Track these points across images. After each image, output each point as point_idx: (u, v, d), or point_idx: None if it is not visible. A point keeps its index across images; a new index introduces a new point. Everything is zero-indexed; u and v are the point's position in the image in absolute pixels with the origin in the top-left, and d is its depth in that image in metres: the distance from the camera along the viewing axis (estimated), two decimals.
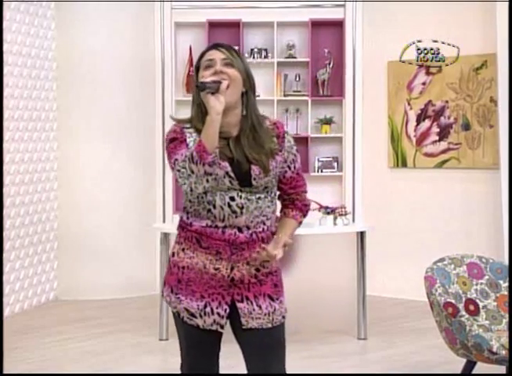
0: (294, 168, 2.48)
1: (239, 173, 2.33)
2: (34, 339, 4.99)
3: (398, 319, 5.50)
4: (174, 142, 2.36)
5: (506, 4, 5.11)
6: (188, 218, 2.41)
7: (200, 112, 2.36)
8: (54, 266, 6.27)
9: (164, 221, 5.50)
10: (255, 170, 2.35)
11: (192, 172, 2.23)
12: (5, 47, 5.61)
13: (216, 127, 2.24)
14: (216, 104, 2.25)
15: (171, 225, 5.28)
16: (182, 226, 2.44)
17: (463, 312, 3.42)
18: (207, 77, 2.32)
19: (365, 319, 4.93)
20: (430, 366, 4.31)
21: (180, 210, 2.49)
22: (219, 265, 2.36)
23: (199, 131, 2.32)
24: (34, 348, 4.77)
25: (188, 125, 2.41)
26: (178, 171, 2.27)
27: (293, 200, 2.52)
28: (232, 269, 2.37)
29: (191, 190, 2.29)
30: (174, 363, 4.37)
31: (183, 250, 2.41)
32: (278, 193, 2.52)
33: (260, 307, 2.39)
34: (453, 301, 3.42)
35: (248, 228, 2.36)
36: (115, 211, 6.26)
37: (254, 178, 2.36)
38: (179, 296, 2.40)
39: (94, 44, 6.17)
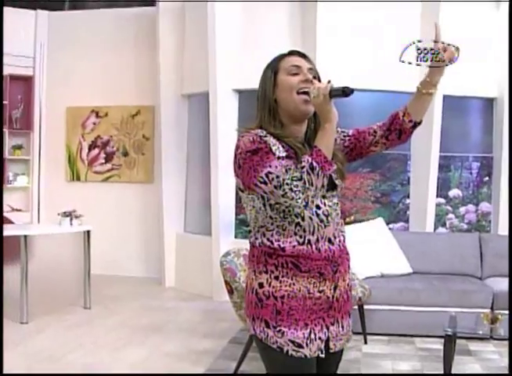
0: (349, 131, 2.47)
1: None
2: None
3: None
4: (258, 153, 2.15)
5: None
6: (272, 241, 2.22)
7: (273, 117, 2.28)
8: None
9: None
10: (334, 172, 2.23)
11: (312, 185, 2.08)
12: None
13: (335, 134, 2.20)
14: (335, 110, 2.18)
15: None
16: (269, 253, 2.23)
17: None
18: (297, 82, 2.27)
19: (90, 292, 6.61)
20: None
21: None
22: (323, 287, 2.23)
23: (275, 137, 2.23)
24: None
25: (262, 133, 2.23)
26: (287, 184, 2.07)
27: (390, 121, 2.41)
28: (335, 288, 2.27)
29: (305, 205, 2.15)
30: None
31: (277, 278, 2.21)
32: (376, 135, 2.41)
33: (343, 327, 2.33)
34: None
35: (335, 237, 2.26)
36: None
37: (336, 178, 2.29)
38: (280, 328, 2.20)
39: None
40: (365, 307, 5.42)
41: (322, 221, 2.23)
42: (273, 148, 2.19)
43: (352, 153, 2.44)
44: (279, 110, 2.30)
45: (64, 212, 6.76)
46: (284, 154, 2.19)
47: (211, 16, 6.95)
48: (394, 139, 2.41)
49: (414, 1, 6.79)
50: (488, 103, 7.12)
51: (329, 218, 2.25)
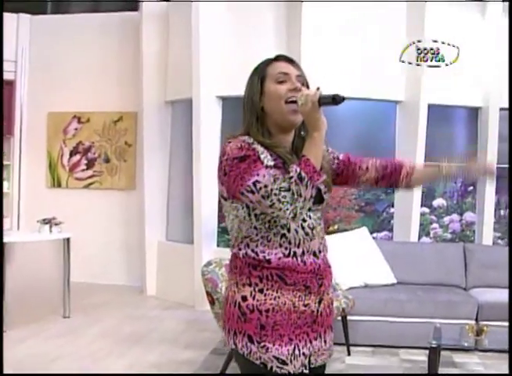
0: (339, 154, 2.39)
1: None
2: None
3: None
4: (246, 160, 2.06)
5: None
6: (257, 252, 2.14)
7: (261, 125, 2.20)
8: None
9: None
10: (322, 184, 2.17)
11: (301, 196, 1.98)
12: None
13: (323, 143, 2.10)
14: (324, 118, 2.09)
15: None
16: (254, 265, 2.14)
17: None
18: (285, 91, 2.17)
19: (69, 301, 6.47)
20: None
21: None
22: (308, 301, 2.17)
23: (263, 146, 2.16)
24: None
25: (250, 140, 2.15)
26: (275, 195, 1.97)
27: (389, 172, 2.35)
28: (320, 302, 2.20)
29: (293, 217, 2.02)
30: None
31: (261, 291, 2.12)
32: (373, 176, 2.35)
33: (326, 342, 2.26)
34: None
35: (320, 252, 2.21)
36: None
37: (325, 192, 2.23)
38: (265, 344, 2.11)
39: None
40: (349, 318, 5.36)
41: (307, 234, 2.17)
42: (261, 156, 2.11)
43: (337, 178, 2.38)
44: (267, 119, 2.22)
45: (44, 219, 6.68)
46: (272, 163, 2.12)
47: (195, 22, 6.89)
48: (383, 186, 2.41)
49: (399, 1, 6.76)
50: (473, 112, 7.10)
51: (315, 232, 2.20)
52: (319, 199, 2.20)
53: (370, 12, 6.72)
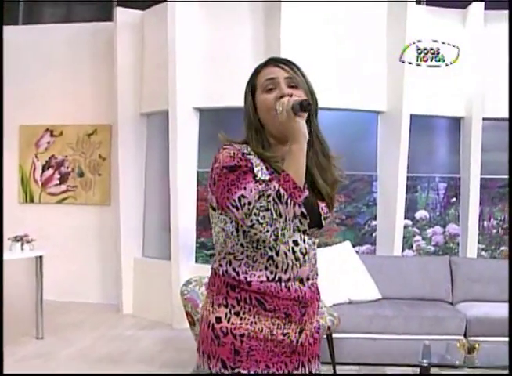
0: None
1: (309, 210, 1.96)
2: None
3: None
4: (235, 171, 1.91)
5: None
6: (238, 272, 1.96)
7: (260, 137, 2.03)
8: None
9: None
10: (323, 208, 2.03)
11: (280, 216, 1.83)
12: None
13: (305, 156, 1.91)
14: (305, 128, 1.93)
15: None
16: (233, 285, 1.97)
17: None
18: (273, 100, 1.99)
19: (42, 321, 6.26)
20: None
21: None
22: (288, 330, 1.98)
23: (259, 158, 2.00)
24: None
25: (246, 150, 2.00)
26: (255, 215, 1.83)
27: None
28: (300, 332, 2.02)
29: (275, 239, 1.89)
30: None
31: (237, 314, 1.95)
32: None
33: (311, 372, 2.08)
34: None
35: (308, 279, 2.01)
36: None
37: (325, 218, 2.03)
38: (239, 370, 1.94)
39: None
40: (334, 335, 5.17)
41: (298, 259, 1.98)
42: (256, 169, 1.96)
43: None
44: (265, 130, 2.05)
45: (15, 237, 6.47)
46: (267, 177, 1.94)
47: (171, 32, 6.70)
48: None
49: (381, 1, 6.63)
50: (455, 122, 7.00)
51: (306, 258, 2.00)
52: (318, 223, 2.02)
53: (351, 19, 6.61)
